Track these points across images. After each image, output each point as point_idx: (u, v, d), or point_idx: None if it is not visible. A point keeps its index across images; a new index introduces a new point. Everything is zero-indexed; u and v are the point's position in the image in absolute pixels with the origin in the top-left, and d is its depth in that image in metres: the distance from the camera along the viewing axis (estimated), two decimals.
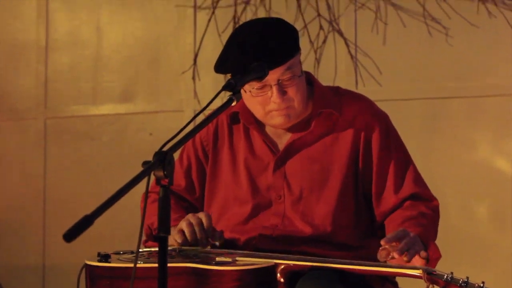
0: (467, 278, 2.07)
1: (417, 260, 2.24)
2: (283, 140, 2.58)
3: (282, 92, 2.45)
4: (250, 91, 2.46)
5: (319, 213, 2.50)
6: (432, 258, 2.37)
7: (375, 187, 2.54)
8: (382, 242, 2.22)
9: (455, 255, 4.09)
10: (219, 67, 2.48)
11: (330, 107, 2.55)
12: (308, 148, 2.55)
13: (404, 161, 2.58)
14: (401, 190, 2.53)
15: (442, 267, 2.21)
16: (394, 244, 2.23)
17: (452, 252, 4.12)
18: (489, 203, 4.18)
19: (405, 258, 2.20)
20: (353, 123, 2.54)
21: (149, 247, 2.56)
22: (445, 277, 2.08)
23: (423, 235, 2.36)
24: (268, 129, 2.61)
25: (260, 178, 2.56)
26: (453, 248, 4.12)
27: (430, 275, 2.10)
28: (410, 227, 2.37)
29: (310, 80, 2.61)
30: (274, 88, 2.44)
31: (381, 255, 2.23)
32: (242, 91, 2.46)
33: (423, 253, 2.23)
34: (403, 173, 2.55)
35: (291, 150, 2.55)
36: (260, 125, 2.61)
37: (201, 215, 2.47)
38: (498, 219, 4.15)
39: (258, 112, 2.52)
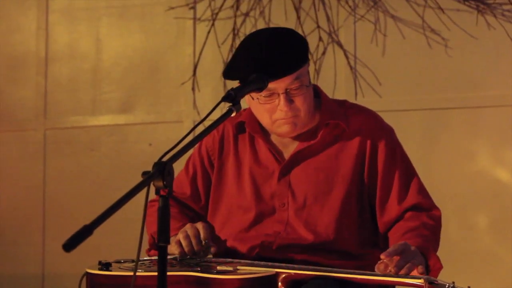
0: (469, 287, 2.08)
1: (415, 273, 2.24)
2: (289, 149, 2.59)
3: (290, 100, 2.47)
4: (257, 98, 2.47)
5: (323, 221, 2.51)
6: (433, 268, 2.38)
7: (379, 197, 2.55)
8: (382, 256, 2.23)
9: (455, 266, 4.08)
10: (227, 73, 2.50)
11: (337, 118, 2.58)
12: (314, 157, 2.57)
13: (409, 173, 2.59)
14: (404, 201, 2.54)
15: (443, 278, 2.21)
16: (394, 257, 2.24)
17: (452, 263, 4.11)
18: (489, 213, 4.18)
19: (402, 273, 2.20)
20: (359, 135, 2.57)
21: (150, 256, 2.56)
22: (446, 286, 2.08)
23: (424, 246, 2.37)
24: (273, 138, 2.63)
25: (265, 186, 2.57)
26: (453, 259, 4.11)
27: (432, 285, 2.10)
28: (411, 238, 2.38)
29: (317, 92, 2.63)
30: (282, 97, 2.45)
31: (379, 268, 2.24)
32: (249, 98, 2.51)
33: (420, 269, 2.23)
34: (407, 184, 2.57)
35: (297, 159, 2.57)
36: (265, 134, 2.63)
37: (199, 226, 2.47)
38: (498, 229, 4.15)
39: (264, 120, 2.54)
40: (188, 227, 2.47)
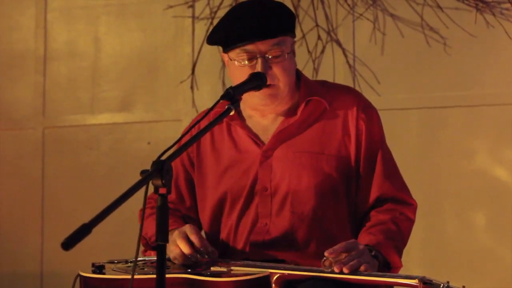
0: (463, 287, 2.08)
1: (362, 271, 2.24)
2: (269, 132, 2.54)
3: (267, 67, 2.43)
4: (236, 60, 2.44)
5: (310, 204, 2.47)
6: (394, 265, 2.39)
7: (360, 180, 2.52)
8: (326, 253, 2.23)
9: (453, 264, 4.08)
10: (211, 37, 2.50)
11: (318, 95, 2.53)
12: (296, 138, 2.52)
13: (389, 159, 2.56)
14: (382, 189, 2.51)
15: (440, 276, 2.21)
16: (341, 255, 2.24)
17: (450, 261, 4.12)
18: (487, 212, 4.18)
19: (345, 271, 2.20)
20: (343, 114, 2.53)
21: (144, 257, 2.55)
22: (441, 286, 2.08)
23: (384, 243, 2.37)
24: (251, 124, 2.58)
25: (247, 173, 2.52)
26: (451, 257, 4.11)
27: (427, 285, 2.10)
28: (375, 233, 2.39)
29: (297, 74, 2.59)
30: (259, 60, 2.42)
31: (324, 264, 2.24)
32: (228, 61, 2.48)
33: (362, 268, 2.22)
34: (388, 171, 2.53)
35: (279, 140, 2.52)
36: (242, 121, 2.58)
37: (189, 231, 2.42)
38: (497, 228, 4.15)
39: None
40: (177, 237, 2.39)
